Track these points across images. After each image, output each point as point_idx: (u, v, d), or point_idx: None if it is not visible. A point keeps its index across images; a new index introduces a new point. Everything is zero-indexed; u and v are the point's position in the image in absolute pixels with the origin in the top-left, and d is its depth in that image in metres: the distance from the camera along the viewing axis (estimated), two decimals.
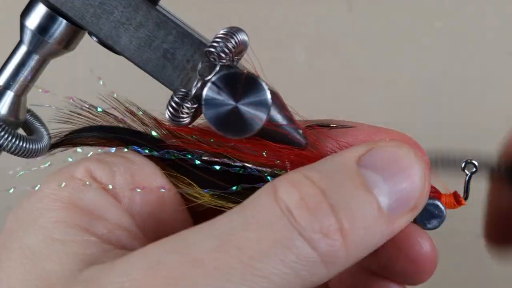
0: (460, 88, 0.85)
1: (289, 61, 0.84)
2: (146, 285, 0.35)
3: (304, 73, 0.85)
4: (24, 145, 0.43)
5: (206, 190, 0.42)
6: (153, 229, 0.42)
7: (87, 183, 0.41)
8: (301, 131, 0.43)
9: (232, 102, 0.41)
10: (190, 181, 0.43)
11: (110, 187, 0.41)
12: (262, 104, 0.41)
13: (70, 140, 0.44)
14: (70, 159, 0.42)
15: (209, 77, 0.41)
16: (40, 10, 0.44)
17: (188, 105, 0.41)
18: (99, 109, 0.44)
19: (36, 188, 0.42)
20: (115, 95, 0.44)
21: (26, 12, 0.44)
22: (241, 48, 0.42)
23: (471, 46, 0.85)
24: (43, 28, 0.44)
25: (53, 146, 0.45)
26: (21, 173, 0.43)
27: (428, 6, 0.85)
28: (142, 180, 0.43)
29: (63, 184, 0.41)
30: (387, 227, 0.38)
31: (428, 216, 0.43)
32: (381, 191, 0.38)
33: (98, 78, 0.43)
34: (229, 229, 0.36)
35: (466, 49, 0.85)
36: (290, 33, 0.84)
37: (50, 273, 0.37)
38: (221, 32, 0.41)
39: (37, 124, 0.46)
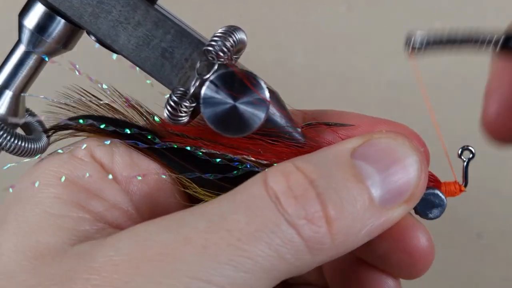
0: (460, 88, 0.85)
1: (288, 60, 0.84)
2: (135, 259, 0.36)
3: (303, 73, 0.85)
4: (23, 144, 0.43)
5: (207, 174, 0.43)
6: (149, 211, 0.43)
7: (86, 160, 0.42)
8: (299, 130, 0.43)
9: (230, 101, 0.41)
10: (188, 180, 0.43)
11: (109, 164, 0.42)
12: (260, 103, 0.41)
13: (68, 126, 0.44)
14: (60, 151, 0.43)
15: (208, 76, 0.41)
16: (38, 10, 0.44)
17: (187, 104, 0.41)
18: (104, 86, 0.44)
19: (36, 163, 0.42)
20: (104, 86, 0.44)
21: (24, 12, 0.44)
22: (239, 47, 0.42)
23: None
24: (42, 27, 0.44)
25: (52, 129, 0.45)
26: (8, 166, 0.44)
27: (428, 6, 0.85)
28: (140, 161, 0.43)
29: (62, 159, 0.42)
30: (378, 217, 0.38)
31: (429, 206, 0.43)
32: (373, 182, 0.38)
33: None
34: (220, 211, 0.37)
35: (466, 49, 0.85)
36: (290, 33, 0.84)
37: (42, 244, 0.38)
38: (219, 31, 0.41)
39: (35, 124, 0.46)
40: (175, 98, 0.41)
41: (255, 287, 0.36)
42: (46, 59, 0.44)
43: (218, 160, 0.42)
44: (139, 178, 0.43)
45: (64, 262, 0.37)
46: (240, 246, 0.36)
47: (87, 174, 0.42)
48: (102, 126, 0.43)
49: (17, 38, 0.44)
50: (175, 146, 0.43)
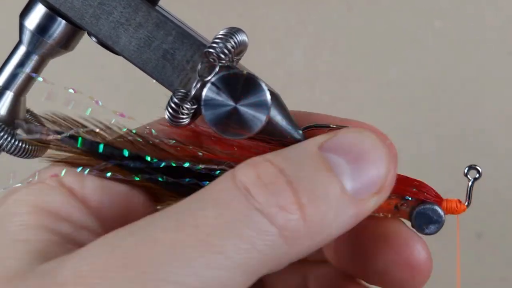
0: (460, 88, 0.85)
1: (289, 61, 0.84)
2: (101, 268, 0.35)
3: (303, 73, 0.85)
4: (23, 145, 0.43)
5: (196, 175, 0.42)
6: None
7: (53, 186, 0.41)
8: (300, 132, 0.43)
9: (231, 103, 0.41)
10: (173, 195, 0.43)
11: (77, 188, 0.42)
12: (261, 105, 0.41)
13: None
14: (19, 184, 0.42)
15: (209, 77, 0.41)
16: (39, 10, 0.44)
17: (188, 106, 0.41)
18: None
19: (3, 190, 0.42)
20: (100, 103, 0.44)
21: (25, 12, 0.44)
22: (240, 48, 0.42)
23: (471, 46, 0.85)
24: (42, 28, 0.44)
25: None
26: None
27: (428, 6, 0.85)
28: (112, 184, 0.43)
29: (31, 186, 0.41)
30: (352, 208, 0.38)
31: (426, 221, 0.43)
32: (344, 173, 0.38)
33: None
34: (187, 209, 0.36)
35: (466, 49, 0.85)
36: (290, 33, 0.84)
37: (9, 269, 0.38)
38: (221, 32, 0.41)
39: (36, 124, 0.46)
40: (176, 100, 0.41)
41: (230, 285, 0.35)
42: (40, 79, 0.44)
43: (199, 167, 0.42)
44: (86, 173, 0.42)
45: (31, 281, 0.36)
46: (210, 241, 0.35)
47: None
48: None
49: (17, 39, 0.44)
50: (173, 164, 0.42)
